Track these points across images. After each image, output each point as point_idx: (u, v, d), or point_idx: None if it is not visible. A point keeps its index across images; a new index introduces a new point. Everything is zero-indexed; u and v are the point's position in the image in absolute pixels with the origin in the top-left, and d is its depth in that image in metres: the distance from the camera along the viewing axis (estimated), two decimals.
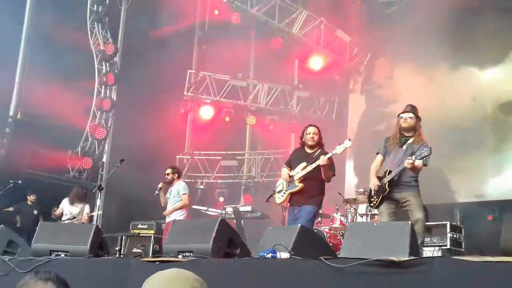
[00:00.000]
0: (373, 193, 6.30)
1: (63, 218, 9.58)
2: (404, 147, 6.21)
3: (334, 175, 6.70)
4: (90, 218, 9.59)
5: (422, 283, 3.62)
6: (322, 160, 6.40)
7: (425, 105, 9.56)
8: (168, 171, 8.98)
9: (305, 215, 6.53)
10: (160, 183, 8.85)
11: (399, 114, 6.37)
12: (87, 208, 9.65)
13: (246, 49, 15.62)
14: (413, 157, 5.90)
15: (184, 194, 8.78)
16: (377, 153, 6.48)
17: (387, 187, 6.11)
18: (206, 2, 15.75)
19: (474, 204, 11.35)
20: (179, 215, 8.66)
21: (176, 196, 8.80)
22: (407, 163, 5.87)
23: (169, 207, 8.76)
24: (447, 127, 11.40)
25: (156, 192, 8.81)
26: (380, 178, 6.23)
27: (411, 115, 6.25)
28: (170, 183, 8.91)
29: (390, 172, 6.14)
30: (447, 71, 12.48)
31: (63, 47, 12.01)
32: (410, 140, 6.22)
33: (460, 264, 3.65)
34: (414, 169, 6.00)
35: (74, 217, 9.54)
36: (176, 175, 9.00)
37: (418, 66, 12.64)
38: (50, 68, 11.75)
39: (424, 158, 5.87)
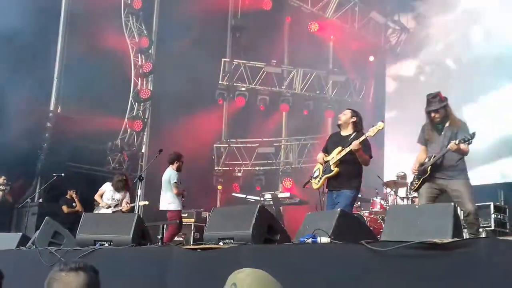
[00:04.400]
0: (415, 176, 6.15)
1: (105, 200, 9.49)
2: (443, 132, 5.95)
3: (371, 157, 6.53)
4: (132, 208, 9.63)
5: (466, 265, 3.54)
6: (354, 145, 6.24)
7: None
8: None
9: (344, 200, 6.38)
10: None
11: (426, 111, 6.00)
12: (127, 197, 9.63)
13: (280, 35, 15.55)
14: (457, 140, 5.65)
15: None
16: (418, 142, 6.24)
17: (428, 170, 5.91)
18: None
19: None
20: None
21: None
22: (451, 146, 5.65)
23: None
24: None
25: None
26: (423, 164, 6.04)
27: (438, 107, 5.89)
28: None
29: (434, 156, 5.93)
30: None
31: (100, 41, 12.21)
32: (447, 124, 5.95)
33: (506, 245, 3.56)
34: (460, 151, 5.80)
35: (117, 205, 9.48)
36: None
37: None
38: (87, 62, 11.95)
39: (468, 141, 5.67)
